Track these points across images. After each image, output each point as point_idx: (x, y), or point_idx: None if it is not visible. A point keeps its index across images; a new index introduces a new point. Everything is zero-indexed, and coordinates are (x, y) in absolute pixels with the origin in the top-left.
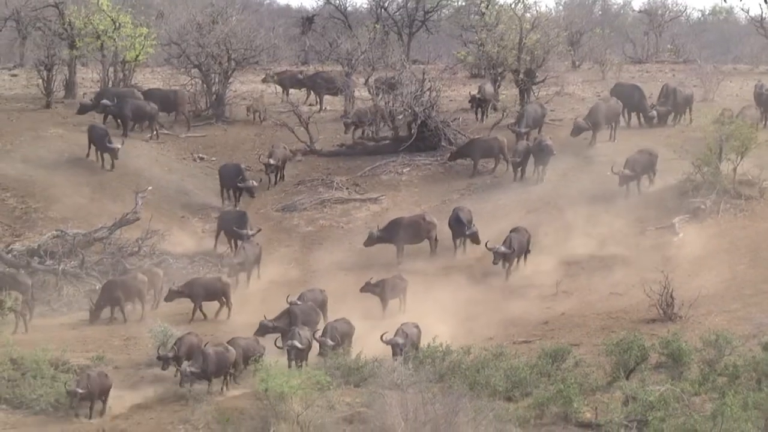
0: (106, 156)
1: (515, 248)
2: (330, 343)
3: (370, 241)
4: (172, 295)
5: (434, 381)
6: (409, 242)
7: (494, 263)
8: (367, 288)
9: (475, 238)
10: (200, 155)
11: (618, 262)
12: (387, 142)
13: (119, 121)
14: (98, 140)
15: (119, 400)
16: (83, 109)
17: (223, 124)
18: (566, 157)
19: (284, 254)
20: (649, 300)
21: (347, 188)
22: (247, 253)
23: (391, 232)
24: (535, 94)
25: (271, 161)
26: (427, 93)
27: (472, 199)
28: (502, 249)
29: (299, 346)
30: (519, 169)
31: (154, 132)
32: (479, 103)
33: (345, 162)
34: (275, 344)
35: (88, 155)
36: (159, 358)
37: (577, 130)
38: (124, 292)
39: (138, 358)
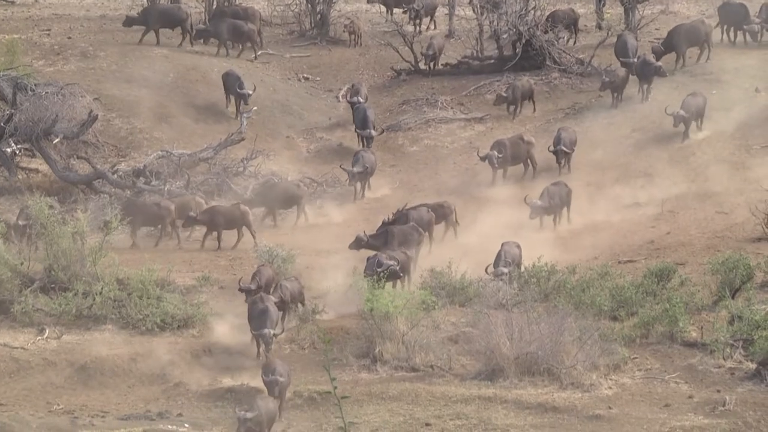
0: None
1: (555, 202)
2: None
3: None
4: (189, 222)
5: (539, 300)
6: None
7: (531, 218)
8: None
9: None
10: (305, 75)
11: (723, 181)
12: (492, 61)
13: (225, 43)
14: (231, 85)
15: (221, 318)
16: (129, 22)
17: (327, 44)
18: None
19: (390, 174)
20: (755, 219)
21: (452, 108)
22: (365, 162)
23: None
24: (640, 13)
25: (359, 99)
26: (532, 12)
27: (577, 119)
28: (539, 203)
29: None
30: (616, 94)
31: (257, 52)
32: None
33: (449, 81)
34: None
35: (227, 105)
36: (241, 290)
37: (657, 54)
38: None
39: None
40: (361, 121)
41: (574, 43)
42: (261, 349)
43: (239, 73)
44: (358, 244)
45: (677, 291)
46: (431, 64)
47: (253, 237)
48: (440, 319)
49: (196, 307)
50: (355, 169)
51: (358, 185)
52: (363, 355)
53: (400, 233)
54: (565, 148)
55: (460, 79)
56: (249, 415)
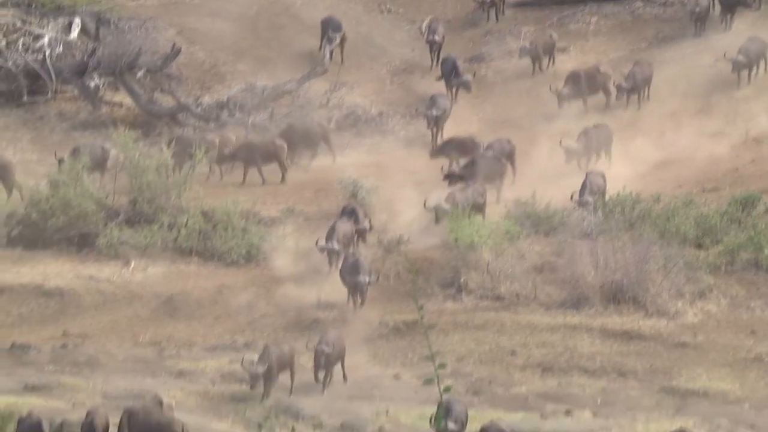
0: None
1: (591, 145)
2: None
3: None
4: (223, 158)
5: (624, 229)
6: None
7: (567, 162)
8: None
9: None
10: (387, 7)
11: None
12: None
13: None
14: (448, 73)
15: (306, 250)
16: None
17: None
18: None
19: (472, 104)
20: None
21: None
22: (441, 105)
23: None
24: None
25: (436, 38)
26: None
27: (660, 48)
28: (574, 146)
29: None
30: (699, 23)
31: None
32: None
33: (532, 12)
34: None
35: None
36: (321, 249)
37: None
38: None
39: (329, 209)
40: (450, 71)
41: None
42: (355, 299)
43: (338, 20)
44: (450, 176)
45: (762, 218)
46: None
47: (284, 173)
48: (525, 249)
49: (281, 238)
50: (434, 112)
51: (435, 129)
52: (448, 285)
53: (485, 164)
54: (626, 85)
55: (543, 9)
56: (281, 348)
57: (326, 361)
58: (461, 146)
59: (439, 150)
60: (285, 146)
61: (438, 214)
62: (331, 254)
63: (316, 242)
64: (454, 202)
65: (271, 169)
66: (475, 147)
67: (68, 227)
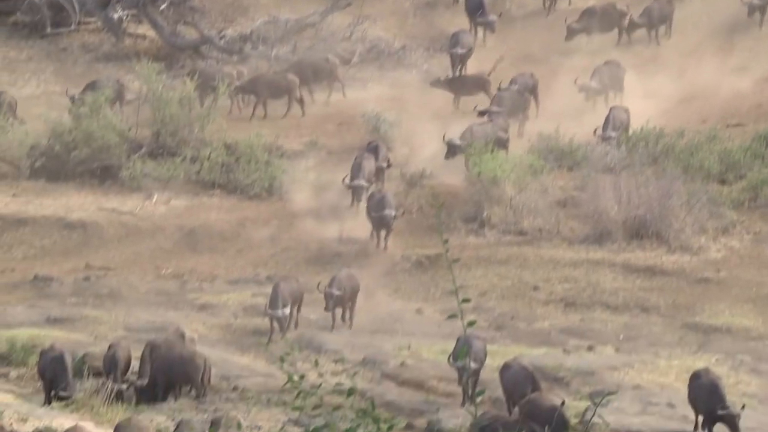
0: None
1: (605, 82)
2: None
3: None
4: (237, 90)
5: (647, 164)
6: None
7: (585, 100)
8: None
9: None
10: None
11: None
12: None
13: None
14: (474, 10)
15: (329, 183)
16: None
17: None
18: None
19: (495, 38)
20: None
21: None
22: (465, 43)
23: None
24: None
25: None
26: None
27: None
28: (590, 84)
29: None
30: None
31: None
32: None
33: None
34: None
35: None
36: (349, 187)
37: None
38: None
39: (351, 143)
40: (476, 8)
41: None
42: (379, 235)
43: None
44: (485, 112)
45: None
46: None
47: (301, 106)
48: (548, 183)
49: (304, 171)
50: (458, 50)
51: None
52: (471, 220)
53: (508, 99)
54: (641, 21)
55: None
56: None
57: (335, 303)
58: (468, 83)
59: (443, 84)
60: (297, 80)
61: (449, 149)
62: (358, 191)
63: (343, 180)
64: (472, 137)
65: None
66: (484, 84)
67: (91, 159)
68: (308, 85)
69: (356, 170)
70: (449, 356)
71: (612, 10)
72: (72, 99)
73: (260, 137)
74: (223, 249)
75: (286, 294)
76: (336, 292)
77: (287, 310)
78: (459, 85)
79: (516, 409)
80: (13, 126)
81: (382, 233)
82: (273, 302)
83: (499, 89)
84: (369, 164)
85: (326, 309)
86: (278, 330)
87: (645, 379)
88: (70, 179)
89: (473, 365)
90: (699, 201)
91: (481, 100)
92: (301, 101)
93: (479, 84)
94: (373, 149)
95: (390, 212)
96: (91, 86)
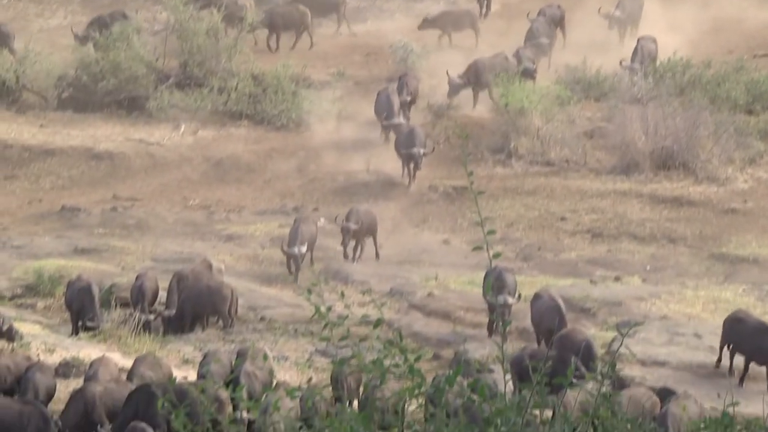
0: None
1: (627, 12)
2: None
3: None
4: (252, 26)
5: (674, 95)
6: None
7: (609, 29)
8: None
9: None
10: None
11: None
12: None
13: None
14: None
15: (356, 114)
16: None
17: None
18: None
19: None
20: None
21: None
22: None
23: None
24: None
25: None
26: None
27: None
28: (616, 14)
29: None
30: None
31: None
32: None
33: None
34: None
35: None
36: (385, 126)
37: None
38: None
39: (378, 74)
40: None
41: None
42: (409, 169)
43: None
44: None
45: None
46: None
47: (311, 38)
48: (575, 114)
49: (331, 102)
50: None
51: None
52: (498, 150)
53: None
54: None
55: None
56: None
57: (351, 237)
58: (456, 19)
59: (431, 23)
60: (308, 12)
61: (451, 87)
62: (397, 127)
63: (382, 118)
64: (476, 71)
65: (321, 34)
66: (472, 20)
67: (118, 90)
68: (316, 16)
69: (389, 109)
70: (485, 292)
71: None
72: (76, 37)
73: (287, 68)
74: (249, 180)
75: (305, 234)
76: (353, 225)
77: (304, 248)
78: (446, 21)
79: (551, 343)
80: (9, 59)
81: (411, 167)
82: (291, 240)
83: (529, 19)
84: (399, 101)
85: (343, 243)
86: (294, 268)
87: (672, 310)
88: (97, 110)
89: (509, 300)
90: (726, 131)
91: (468, 36)
92: (310, 32)
93: (466, 19)
94: (402, 82)
95: (419, 150)
96: (96, 21)
